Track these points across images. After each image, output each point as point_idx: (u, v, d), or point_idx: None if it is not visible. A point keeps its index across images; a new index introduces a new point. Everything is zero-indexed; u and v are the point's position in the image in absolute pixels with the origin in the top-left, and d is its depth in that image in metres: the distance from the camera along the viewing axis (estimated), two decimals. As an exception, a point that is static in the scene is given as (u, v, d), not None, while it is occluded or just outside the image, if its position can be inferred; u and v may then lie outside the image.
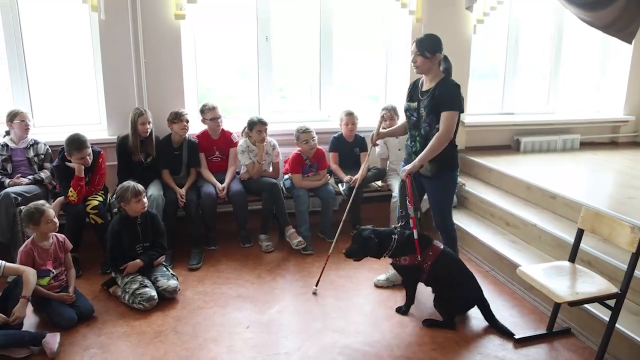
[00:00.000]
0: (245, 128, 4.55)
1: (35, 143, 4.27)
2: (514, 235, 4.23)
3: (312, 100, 5.45)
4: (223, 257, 4.28)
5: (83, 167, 3.90)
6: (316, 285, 3.73)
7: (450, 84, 3.34)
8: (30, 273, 3.12)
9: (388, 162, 4.91)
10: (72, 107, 4.94)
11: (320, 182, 4.61)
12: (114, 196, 3.89)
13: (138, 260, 3.60)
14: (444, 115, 3.27)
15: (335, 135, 4.83)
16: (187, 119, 4.40)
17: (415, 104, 3.47)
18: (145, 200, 3.67)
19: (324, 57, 5.26)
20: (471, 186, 4.94)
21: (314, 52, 5.28)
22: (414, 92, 3.53)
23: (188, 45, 4.81)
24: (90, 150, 3.94)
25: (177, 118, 4.37)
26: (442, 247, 3.36)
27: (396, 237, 3.30)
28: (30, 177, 4.13)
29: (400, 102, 5.07)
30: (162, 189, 4.28)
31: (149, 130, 4.32)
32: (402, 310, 3.44)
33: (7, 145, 4.17)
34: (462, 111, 3.34)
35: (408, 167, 3.39)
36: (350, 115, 4.78)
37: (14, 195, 3.85)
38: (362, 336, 3.16)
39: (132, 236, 3.65)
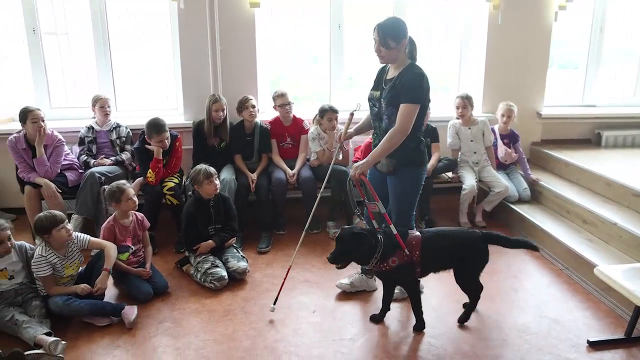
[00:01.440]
0: (316, 115, 4.59)
1: (118, 126, 4.51)
2: (591, 234, 4.03)
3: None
4: (291, 242, 4.35)
5: (161, 150, 4.09)
6: (274, 304, 3.34)
7: (415, 72, 2.96)
8: (111, 248, 3.33)
9: (460, 153, 4.80)
10: (152, 93, 5.18)
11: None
12: (188, 179, 4.05)
13: (210, 241, 3.73)
14: (401, 107, 2.93)
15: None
16: (252, 104, 4.48)
17: (378, 93, 3.13)
18: (217, 182, 3.77)
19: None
20: (546, 181, 4.75)
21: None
22: (379, 79, 3.19)
23: (262, 33, 4.89)
24: (168, 134, 4.12)
25: (242, 106, 4.48)
26: (418, 233, 3.03)
27: (381, 236, 2.93)
28: (113, 158, 4.38)
29: (473, 93, 4.95)
30: (235, 174, 4.41)
31: (223, 117, 4.45)
32: (417, 327, 3.09)
33: (93, 128, 4.44)
34: (424, 104, 2.99)
35: (359, 164, 3.05)
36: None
37: (98, 175, 4.10)
38: (427, 328, 3.12)
39: (205, 218, 3.78)
